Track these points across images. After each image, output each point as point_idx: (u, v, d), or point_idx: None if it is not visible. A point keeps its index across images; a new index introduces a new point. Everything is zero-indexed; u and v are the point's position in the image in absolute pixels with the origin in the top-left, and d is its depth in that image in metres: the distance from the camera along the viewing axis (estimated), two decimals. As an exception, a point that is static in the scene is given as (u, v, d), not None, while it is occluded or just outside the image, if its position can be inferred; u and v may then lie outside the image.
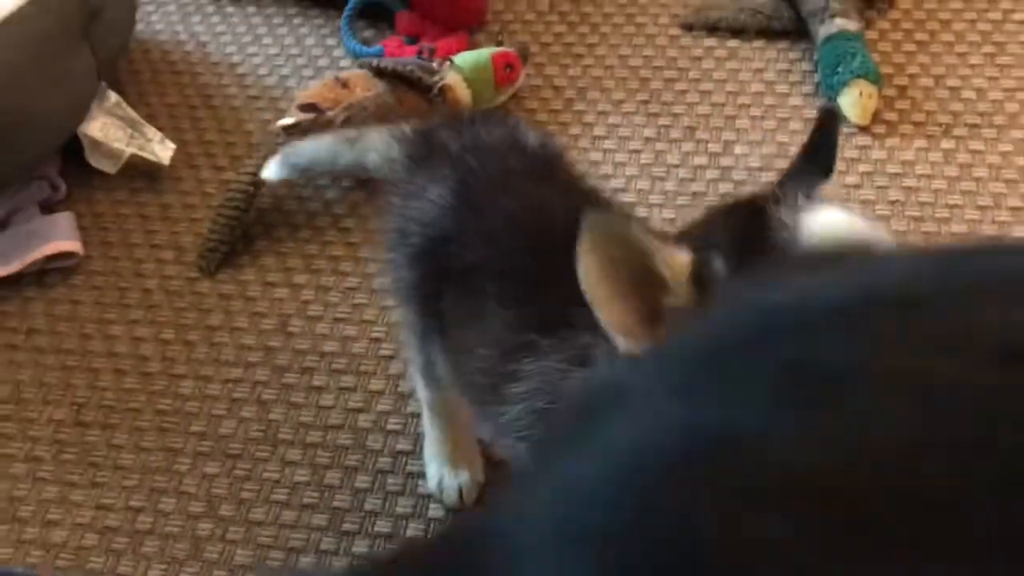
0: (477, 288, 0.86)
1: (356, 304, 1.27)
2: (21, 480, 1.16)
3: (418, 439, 1.12)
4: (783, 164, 1.32)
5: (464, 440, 1.07)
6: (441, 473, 1.06)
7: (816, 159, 0.74)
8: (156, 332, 1.27)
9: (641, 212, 1.28)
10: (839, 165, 1.32)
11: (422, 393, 1.05)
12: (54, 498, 1.14)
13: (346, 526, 1.07)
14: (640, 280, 0.60)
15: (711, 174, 1.34)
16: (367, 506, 1.09)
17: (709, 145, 1.37)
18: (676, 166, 1.36)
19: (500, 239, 0.86)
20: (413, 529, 1.06)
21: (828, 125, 0.75)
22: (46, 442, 1.19)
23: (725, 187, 1.32)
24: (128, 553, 1.08)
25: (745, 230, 0.64)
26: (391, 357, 1.21)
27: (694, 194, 1.32)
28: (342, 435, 1.15)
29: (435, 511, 1.07)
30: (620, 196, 1.31)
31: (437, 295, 0.90)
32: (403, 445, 1.13)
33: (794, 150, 1.34)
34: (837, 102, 1.35)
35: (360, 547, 1.05)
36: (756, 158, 1.35)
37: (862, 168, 1.31)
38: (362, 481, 1.11)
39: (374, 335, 1.23)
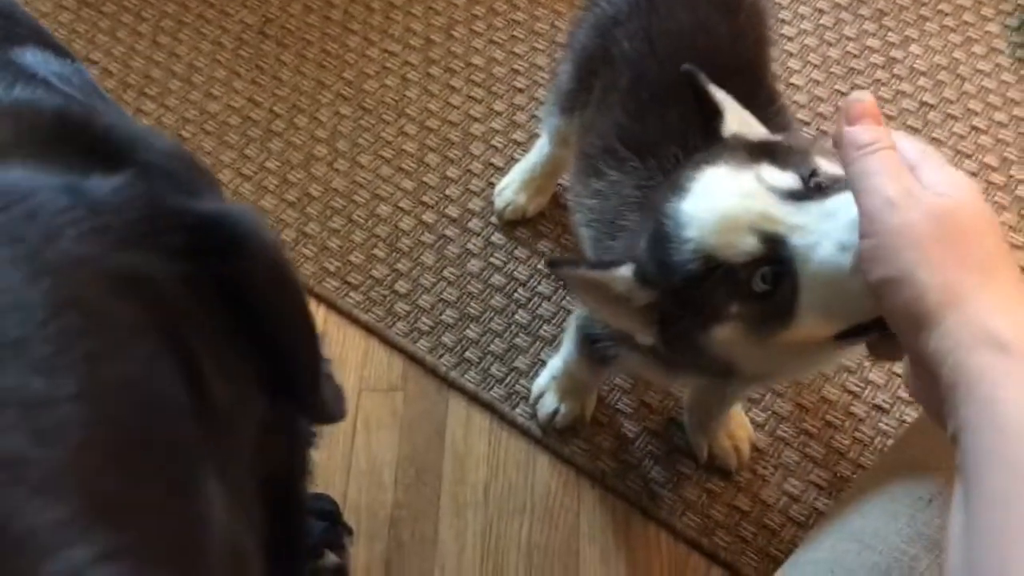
0: (615, 80, 0.90)
1: (513, 36, 1.41)
2: (204, 56, 1.39)
3: (510, 162, 1.28)
4: (945, 76, 1.36)
5: (545, 185, 1.21)
6: (510, 184, 1.22)
7: (708, 126, 0.73)
8: (349, -11, 1.45)
9: (792, 64, 1.35)
10: (994, 99, 1.34)
11: (550, 120, 1.08)
12: (221, 79, 1.37)
13: (425, 198, 1.27)
14: (616, 296, 0.70)
15: (875, 58, 1.38)
16: (448, 191, 1.27)
17: (890, 33, 1.40)
18: (850, 39, 1.40)
19: (656, 46, 0.88)
20: (474, 224, 1.24)
21: (694, 86, 0.73)
22: (232, 36, 1.41)
23: (881, 75, 1.36)
24: (257, 142, 1.31)
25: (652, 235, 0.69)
26: (522, 91, 1.35)
27: (851, 69, 1.37)
28: (454, 132, 1.32)
29: (493, 220, 1.25)
30: (784, 42, 1.38)
31: (592, 70, 0.95)
32: (496, 161, 1.30)
33: (964, 70, 1.36)
34: (1029, 44, 1.35)
35: (428, 218, 1.25)
36: (925, 63, 1.37)
37: (1016, 112, 1.32)
38: (452, 172, 1.29)
39: (516, 67, 1.38)
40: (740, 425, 1.07)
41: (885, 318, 0.53)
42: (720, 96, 0.73)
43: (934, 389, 0.47)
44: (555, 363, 1.10)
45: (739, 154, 0.66)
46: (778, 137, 0.73)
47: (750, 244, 0.61)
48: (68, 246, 0.33)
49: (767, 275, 0.61)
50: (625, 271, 0.69)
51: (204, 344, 0.37)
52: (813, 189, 0.63)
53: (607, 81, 0.93)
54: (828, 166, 0.67)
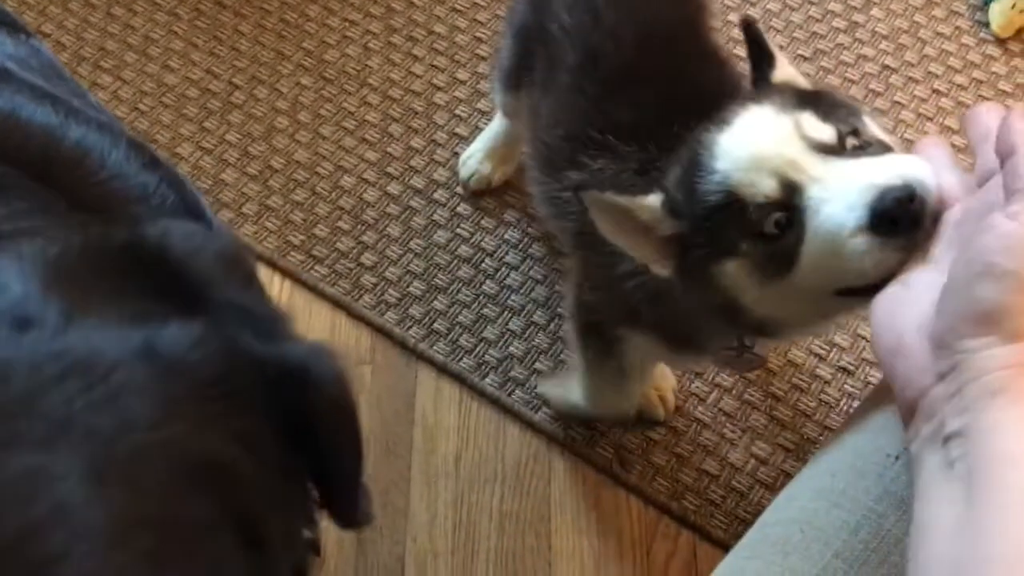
0: (561, 59, 0.88)
1: (476, 3, 1.39)
2: (159, 27, 1.36)
3: (475, 131, 1.27)
4: (906, 40, 1.36)
5: (509, 154, 1.20)
6: (474, 153, 1.21)
7: (759, 73, 0.75)
8: (307, -43, 1.42)
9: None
10: (955, 62, 1.35)
11: (497, 96, 1.13)
12: (178, 50, 1.34)
13: (390, 169, 1.25)
14: (640, 225, 0.71)
15: (838, 23, 1.38)
16: (412, 162, 1.26)
17: (851, -3, 1.41)
18: (812, 3, 1.40)
19: (601, 18, 0.86)
20: (440, 195, 1.23)
21: (750, 34, 0.75)
22: (189, 6, 1.38)
23: (843, 39, 1.36)
24: (217, 114, 1.29)
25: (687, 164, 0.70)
26: (485, 59, 1.34)
27: (813, 34, 1.37)
28: (418, 101, 1.31)
29: (459, 191, 1.24)
30: (746, 7, 1.38)
31: (530, 46, 0.95)
32: (461, 130, 1.28)
33: (925, 34, 1.37)
34: (989, 6, 1.36)
35: (393, 189, 1.24)
36: (886, 26, 1.38)
37: (976, 74, 1.33)
38: (416, 142, 1.28)
39: (479, 35, 1.36)
40: (663, 376, 1.08)
41: (955, 291, 0.50)
42: (773, 46, 0.75)
43: (945, 376, 0.48)
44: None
45: (786, 98, 0.68)
46: (826, 89, 0.75)
47: (770, 187, 0.63)
48: (142, 436, 0.32)
49: (780, 220, 0.63)
50: (654, 199, 0.70)
51: (270, 506, 0.37)
52: (849, 148, 0.64)
53: (549, 60, 0.91)
54: (874, 128, 0.68)
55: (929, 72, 1.33)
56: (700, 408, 1.10)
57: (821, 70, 1.34)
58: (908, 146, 1.29)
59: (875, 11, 1.39)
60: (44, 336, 0.33)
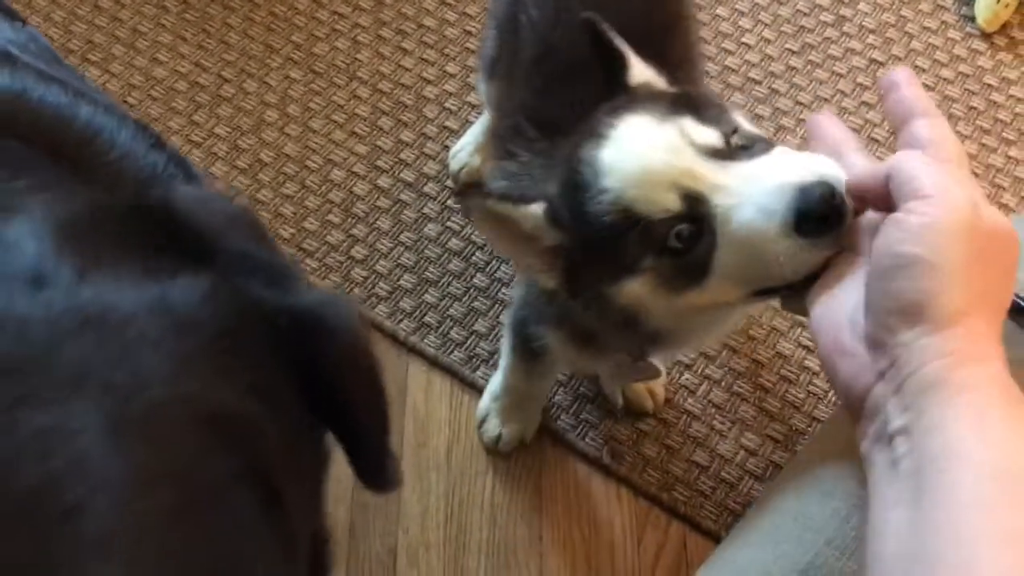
0: (520, 51, 0.88)
1: (466, -4, 1.39)
2: (148, 20, 1.36)
3: (465, 125, 1.27)
4: (893, 34, 1.37)
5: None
6: (464, 147, 1.21)
7: (611, 76, 0.71)
8: (296, -51, 1.42)
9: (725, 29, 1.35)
10: (941, 56, 1.36)
11: (481, 86, 1.10)
12: (167, 43, 1.34)
13: (379, 163, 1.25)
14: (523, 234, 0.67)
15: (825, 16, 1.39)
16: (402, 155, 1.26)
17: (839, -9, 1.41)
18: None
19: (561, 15, 0.84)
20: (430, 189, 1.24)
21: (595, 35, 0.71)
22: (176, -1, 1.38)
23: (830, 32, 1.37)
24: (206, 107, 1.29)
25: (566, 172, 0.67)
26: (475, 52, 1.34)
27: (801, 27, 1.38)
28: (407, 95, 1.31)
29: (449, 184, 1.24)
30: (734, 1, 1.38)
31: (507, 38, 0.93)
32: (451, 124, 1.29)
33: (912, 28, 1.38)
34: (975, 0, 1.37)
35: (383, 183, 1.24)
36: (873, 20, 1.38)
37: (962, 68, 1.34)
38: (406, 135, 1.28)
39: (468, 28, 1.37)
40: None
41: (874, 288, 0.50)
42: (623, 45, 0.71)
43: (884, 373, 0.48)
44: (494, 383, 1.08)
45: (659, 104, 0.64)
46: (692, 89, 0.72)
47: (670, 201, 0.60)
48: (159, 391, 0.32)
49: (683, 233, 0.60)
50: (536, 209, 0.67)
51: (287, 462, 0.36)
52: (735, 148, 0.62)
53: (513, 51, 0.90)
54: (746, 124, 0.66)
55: (916, 66, 1.34)
56: (690, 400, 1.11)
57: (809, 64, 1.34)
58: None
59: (862, 5, 1.40)
60: (58, 293, 0.32)
